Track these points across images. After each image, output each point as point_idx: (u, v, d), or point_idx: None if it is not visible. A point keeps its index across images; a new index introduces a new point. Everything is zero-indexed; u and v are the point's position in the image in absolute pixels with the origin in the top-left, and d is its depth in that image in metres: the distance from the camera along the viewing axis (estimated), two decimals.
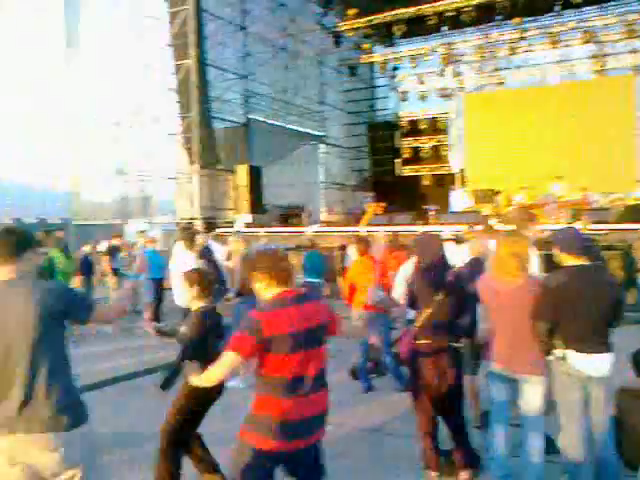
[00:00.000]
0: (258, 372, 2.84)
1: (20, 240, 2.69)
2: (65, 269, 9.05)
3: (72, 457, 2.54)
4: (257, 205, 19.14)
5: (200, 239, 7.92)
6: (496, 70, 24.84)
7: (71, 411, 2.58)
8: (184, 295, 4.39)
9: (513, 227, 5.07)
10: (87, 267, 11.26)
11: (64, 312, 2.63)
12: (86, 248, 12.06)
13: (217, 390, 3.89)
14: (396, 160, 27.29)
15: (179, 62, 18.58)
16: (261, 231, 17.10)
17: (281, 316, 2.78)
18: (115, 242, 11.99)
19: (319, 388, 2.87)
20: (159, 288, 10.08)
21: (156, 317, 10.10)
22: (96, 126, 20.19)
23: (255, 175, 19.35)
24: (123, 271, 10.89)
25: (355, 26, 24.00)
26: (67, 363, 2.71)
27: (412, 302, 4.32)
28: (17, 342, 2.52)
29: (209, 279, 4.18)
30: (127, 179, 19.82)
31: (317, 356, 2.86)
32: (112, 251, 11.69)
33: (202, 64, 18.86)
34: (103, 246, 14.21)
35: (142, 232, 11.82)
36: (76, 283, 11.07)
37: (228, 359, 2.82)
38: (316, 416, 2.86)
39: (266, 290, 2.90)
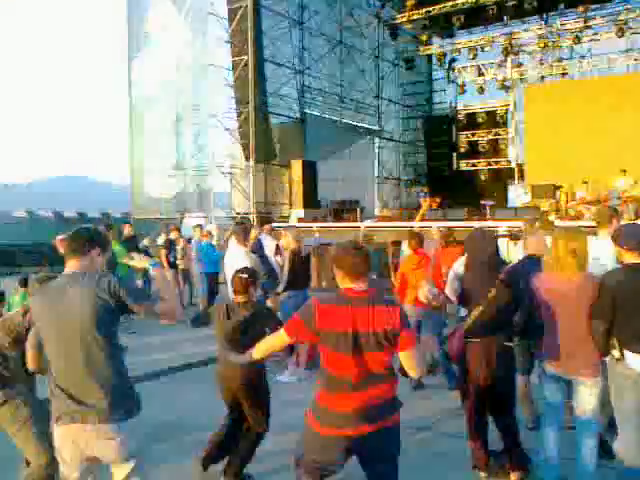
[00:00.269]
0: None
1: (88, 239, 2.80)
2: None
3: (127, 446, 2.65)
4: (311, 200, 19.22)
5: (253, 233, 8.00)
6: (559, 60, 24.05)
7: (125, 402, 2.67)
8: None
9: (597, 222, 4.86)
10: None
11: (119, 306, 2.69)
12: (145, 241, 12.42)
13: None
14: (453, 154, 26.84)
15: (237, 58, 18.82)
16: (314, 226, 17.16)
17: (334, 312, 2.77)
18: (173, 235, 12.27)
19: (367, 387, 2.81)
20: (213, 282, 10.26)
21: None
22: (156, 122, 20.66)
23: (310, 170, 19.42)
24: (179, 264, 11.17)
25: (413, 18, 23.70)
26: (121, 355, 2.81)
27: (463, 299, 4.24)
28: (74, 334, 2.62)
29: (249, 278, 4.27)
30: (185, 174, 20.24)
31: (369, 361, 2.79)
32: (170, 244, 11.98)
33: (259, 60, 19.04)
34: (161, 239, 14.60)
35: (198, 226, 12.05)
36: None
37: (277, 336, 3.02)
38: (364, 408, 2.80)
39: (340, 283, 2.89)
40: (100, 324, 2.62)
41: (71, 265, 2.75)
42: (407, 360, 2.86)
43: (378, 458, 2.93)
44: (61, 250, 2.96)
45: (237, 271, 4.33)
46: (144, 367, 6.91)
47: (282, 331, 2.95)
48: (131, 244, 9.96)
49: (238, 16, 18.35)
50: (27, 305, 3.55)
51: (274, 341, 3.08)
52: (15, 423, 3.44)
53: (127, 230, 10.30)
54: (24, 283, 8.09)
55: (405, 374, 6.17)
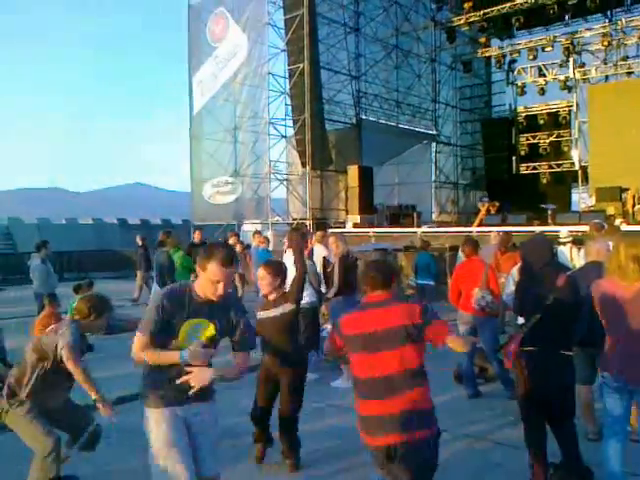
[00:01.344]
0: None
1: None
2: (185, 267, 9.57)
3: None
4: (367, 205, 19.20)
5: (315, 239, 8.06)
6: (624, 59, 23.19)
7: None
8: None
9: None
10: None
11: None
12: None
13: None
14: (512, 157, 26.25)
15: (293, 66, 19.05)
16: (370, 231, 17.13)
17: (356, 319, 3.04)
18: (231, 241, 12.49)
19: (396, 391, 2.87)
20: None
21: None
22: (215, 130, 21.13)
23: (366, 175, 19.42)
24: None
25: (470, 20, 23.39)
26: None
27: (519, 307, 4.15)
28: None
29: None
30: (242, 181, 20.59)
31: (392, 360, 2.89)
32: None
33: (315, 67, 19.21)
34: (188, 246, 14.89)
35: (257, 232, 12.25)
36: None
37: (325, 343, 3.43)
38: (394, 416, 2.85)
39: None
40: None
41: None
42: (452, 344, 2.95)
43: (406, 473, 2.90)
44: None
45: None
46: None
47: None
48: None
49: (294, 25, 18.58)
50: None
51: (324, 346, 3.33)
52: (16, 423, 3.68)
53: (197, 236, 10.60)
54: (78, 289, 8.45)
55: (460, 382, 6.12)
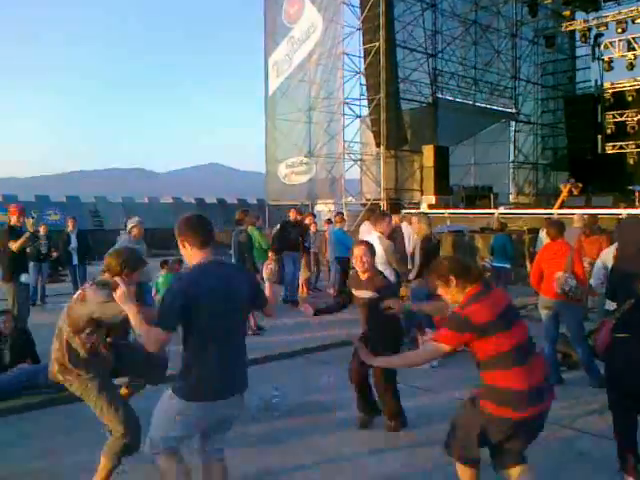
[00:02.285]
0: None
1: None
2: (261, 246, 9.75)
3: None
4: (443, 186, 18.86)
5: (395, 219, 8.04)
6: None
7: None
8: None
9: None
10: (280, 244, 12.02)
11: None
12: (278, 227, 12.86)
13: None
14: (597, 136, 24.97)
15: (368, 45, 18.85)
16: (446, 212, 16.85)
17: (489, 304, 3.02)
18: (307, 221, 12.59)
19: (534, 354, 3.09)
20: (345, 267, 10.42)
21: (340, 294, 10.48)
22: (290, 111, 21.26)
23: (441, 155, 19.06)
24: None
25: None
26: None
27: (612, 292, 3.98)
28: None
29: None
30: (316, 161, 20.67)
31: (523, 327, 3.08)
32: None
33: (391, 45, 18.93)
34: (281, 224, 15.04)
35: (338, 213, 12.30)
36: (269, 259, 11.89)
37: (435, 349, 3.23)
38: (542, 381, 3.03)
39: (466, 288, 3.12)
40: None
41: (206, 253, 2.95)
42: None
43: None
44: None
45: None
46: (280, 347, 7.21)
47: (438, 344, 3.01)
48: (300, 229, 10.54)
49: (370, 3, 18.33)
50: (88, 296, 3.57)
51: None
52: (89, 400, 3.64)
53: (293, 215, 10.78)
54: (164, 264, 8.80)
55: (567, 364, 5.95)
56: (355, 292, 4.68)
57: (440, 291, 3.18)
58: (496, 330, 2.91)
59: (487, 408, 2.97)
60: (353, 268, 4.94)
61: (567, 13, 24.10)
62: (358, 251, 4.61)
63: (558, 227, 5.95)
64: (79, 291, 3.67)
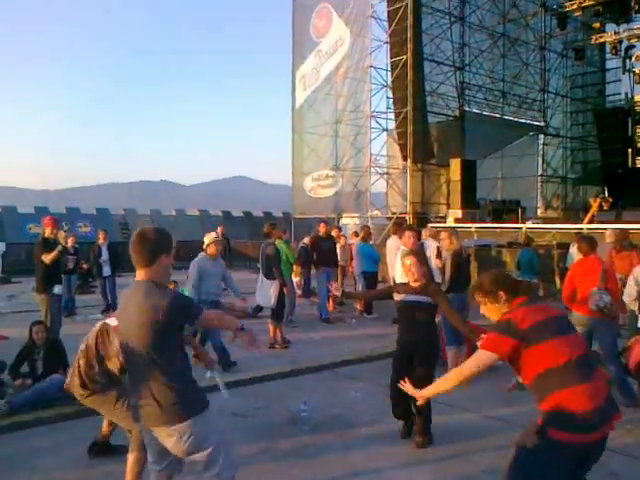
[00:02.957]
0: None
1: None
2: (288, 259, 9.79)
3: (190, 442, 2.73)
4: (470, 200, 18.74)
5: (426, 233, 7.99)
6: None
7: (180, 406, 2.72)
8: None
9: None
10: (306, 257, 12.04)
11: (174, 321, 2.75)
12: (305, 240, 12.90)
13: None
14: (628, 150, 24.59)
15: (395, 59, 18.90)
16: (472, 227, 16.73)
17: (534, 310, 2.85)
18: (334, 233, 12.60)
19: (595, 370, 2.82)
20: (371, 282, 10.40)
21: (367, 309, 10.45)
22: (317, 124, 21.38)
23: (469, 169, 18.95)
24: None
25: (584, 4, 22.11)
26: (179, 362, 2.78)
27: None
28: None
29: None
30: (342, 175, 20.72)
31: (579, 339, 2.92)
32: None
33: (418, 58, 18.96)
34: (310, 238, 15.07)
35: (364, 226, 12.30)
36: (295, 272, 11.92)
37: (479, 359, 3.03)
38: (606, 399, 2.74)
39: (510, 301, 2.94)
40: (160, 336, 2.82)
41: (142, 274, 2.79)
42: None
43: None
44: None
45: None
46: (307, 361, 7.21)
47: (486, 351, 2.78)
48: (331, 242, 10.50)
49: (398, 16, 18.42)
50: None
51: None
52: (105, 409, 3.86)
53: (323, 229, 10.78)
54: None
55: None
56: (403, 295, 4.72)
57: (485, 309, 2.98)
58: (544, 337, 2.68)
59: (556, 436, 2.63)
60: (382, 281, 4.98)
61: (597, 25, 23.89)
62: (408, 261, 4.72)
63: (590, 242, 5.87)
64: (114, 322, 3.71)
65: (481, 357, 2.79)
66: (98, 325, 4.02)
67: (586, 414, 2.59)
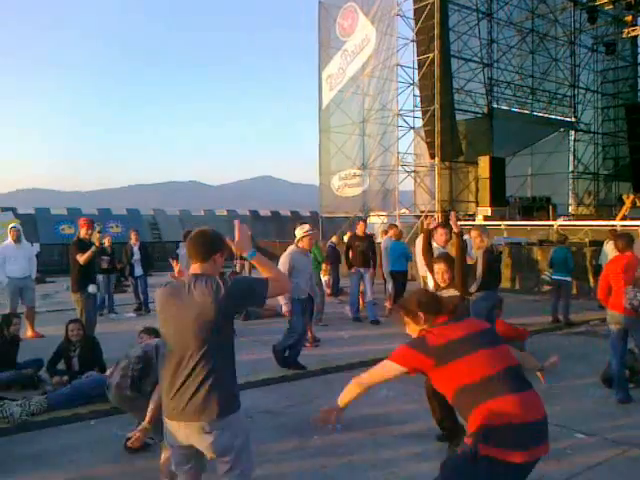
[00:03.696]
0: None
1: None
2: (316, 258, 9.85)
3: (221, 442, 2.74)
4: (498, 197, 18.52)
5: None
6: None
7: (222, 402, 2.74)
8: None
9: None
10: (334, 256, 12.08)
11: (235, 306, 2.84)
12: (333, 239, 12.94)
13: None
14: None
15: (422, 56, 18.79)
16: (502, 224, 16.57)
17: (450, 328, 2.76)
18: (357, 231, 12.61)
19: (527, 384, 2.64)
20: (400, 280, 10.35)
21: None
22: (344, 123, 21.36)
23: (497, 166, 18.74)
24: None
25: None
26: (228, 356, 2.83)
27: None
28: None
29: None
30: (370, 173, 20.68)
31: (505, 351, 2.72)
32: None
33: (445, 56, 18.81)
34: (347, 237, 15.10)
35: (391, 225, 12.26)
36: (324, 271, 11.97)
37: None
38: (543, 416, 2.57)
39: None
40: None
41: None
42: None
43: None
44: None
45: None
46: (336, 360, 7.23)
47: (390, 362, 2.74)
48: (368, 242, 10.35)
49: (424, 14, 18.29)
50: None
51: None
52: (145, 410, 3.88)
53: (361, 229, 10.68)
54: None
55: (609, 385, 5.77)
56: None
57: (408, 328, 2.89)
58: (462, 353, 2.56)
59: (485, 452, 2.42)
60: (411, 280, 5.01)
61: (629, 18, 23.36)
62: (440, 268, 4.80)
63: (628, 239, 5.76)
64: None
65: (388, 369, 2.74)
66: (156, 340, 4.10)
67: (514, 427, 2.41)
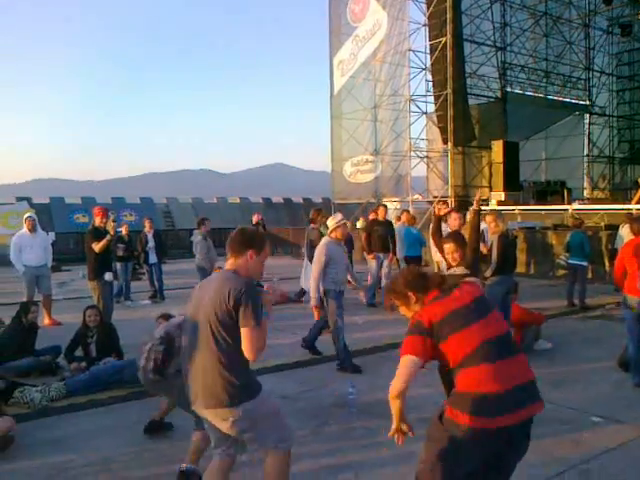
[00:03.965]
0: None
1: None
2: None
3: (239, 426, 2.85)
4: (512, 182, 18.40)
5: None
6: None
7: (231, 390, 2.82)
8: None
9: None
10: (347, 243, 12.05)
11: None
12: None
13: None
14: None
15: (434, 41, 18.62)
16: (516, 209, 16.46)
17: (446, 301, 2.76)
18: (371, 216, 12.58)
19: (515, 350, 2.70)
20: (415, 264, 10.33)
21: None
22: (355, 109, 21.25)
23: (511, 150, 18.60)
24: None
25: None
26: (238, 349, 2.84)
27: None
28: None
29: None
30: (382, 159, 20.60)
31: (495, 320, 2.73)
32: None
33: (458, 40, 18.62)
34: (360, 224, 15.09)
35: (404, 210, 12.24)
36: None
37: None
38: (531, 379, 2.63)
39: None
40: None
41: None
42: None
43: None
44: None
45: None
46: (350, 345, 7.24)
47: (405, 356, 2.69)
48: (387, 227, 10.25)
49: None
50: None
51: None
52: (174, 391, 3.95)
53: (382, 213, 10.48)
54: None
55: (626, 369, 5.74)
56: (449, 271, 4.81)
57: (401, 310, 2.86)
58: (459, 327, 2.57)
59: (458, 419, 2.50)
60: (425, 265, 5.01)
61: None
62: (449, 248, 4.78)
63: None
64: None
65: (405, 363, 2.69)
66: (179, 318, 4.12)
67: (490, 395, 2.45)
